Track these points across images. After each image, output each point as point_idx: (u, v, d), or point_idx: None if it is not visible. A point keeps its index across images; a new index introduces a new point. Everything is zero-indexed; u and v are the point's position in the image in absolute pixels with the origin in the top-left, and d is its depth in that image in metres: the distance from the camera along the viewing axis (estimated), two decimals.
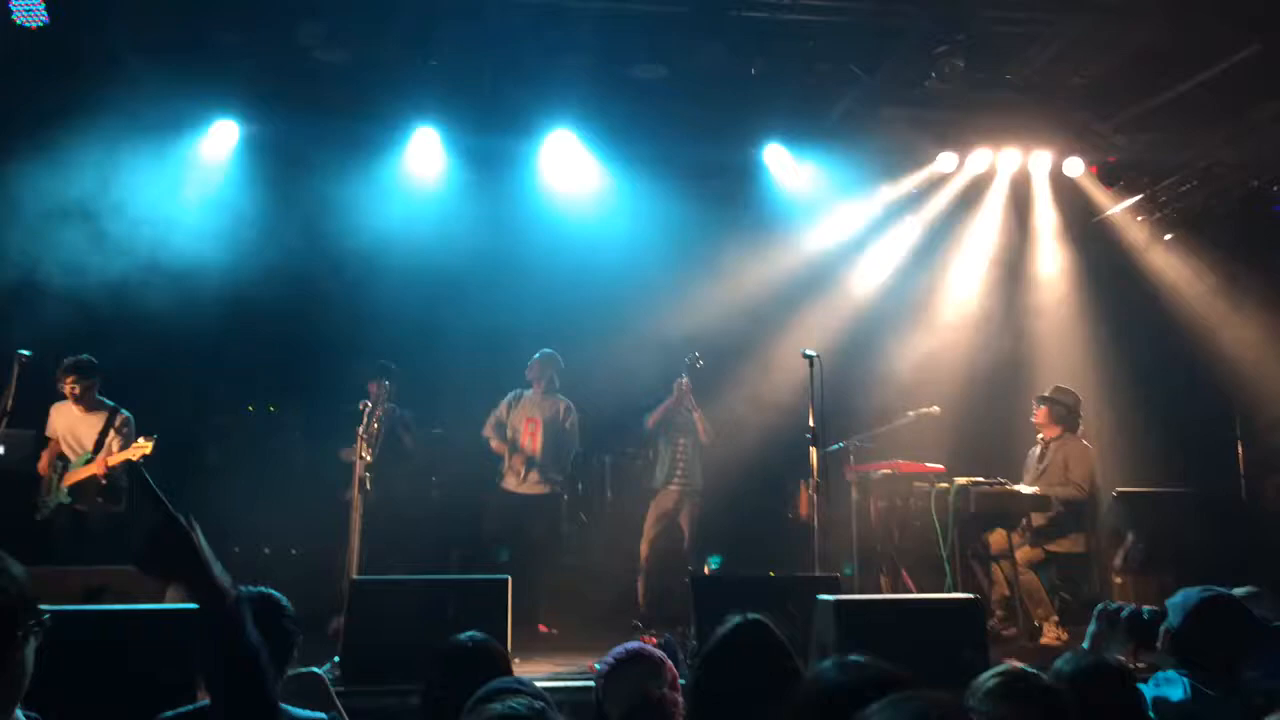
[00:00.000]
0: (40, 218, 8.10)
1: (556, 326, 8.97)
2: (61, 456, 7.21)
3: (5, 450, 6.86)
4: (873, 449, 8.53)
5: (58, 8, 6.97)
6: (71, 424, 7.20)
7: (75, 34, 7.24)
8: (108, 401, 7.28)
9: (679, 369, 8.18)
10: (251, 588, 2.94)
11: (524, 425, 8.07)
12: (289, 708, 2.82)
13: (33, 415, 7.10)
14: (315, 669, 3.23)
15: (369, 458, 6.66)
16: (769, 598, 5.49)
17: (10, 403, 6.47)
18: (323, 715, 2.89)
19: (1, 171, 7.92)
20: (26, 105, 7.81)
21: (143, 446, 6.92)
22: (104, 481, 7.07)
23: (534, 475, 8.01)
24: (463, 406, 8.53)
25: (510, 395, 8.21)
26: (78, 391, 7.09)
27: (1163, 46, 7.42)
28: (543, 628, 7.56)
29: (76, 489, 7.09)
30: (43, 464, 7.17)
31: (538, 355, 8.19)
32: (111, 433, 7.15)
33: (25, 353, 6.67)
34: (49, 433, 7.26)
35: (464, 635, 3.10)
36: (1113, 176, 9.44)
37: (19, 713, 1.76)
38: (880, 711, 1.67)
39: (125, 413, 7.27)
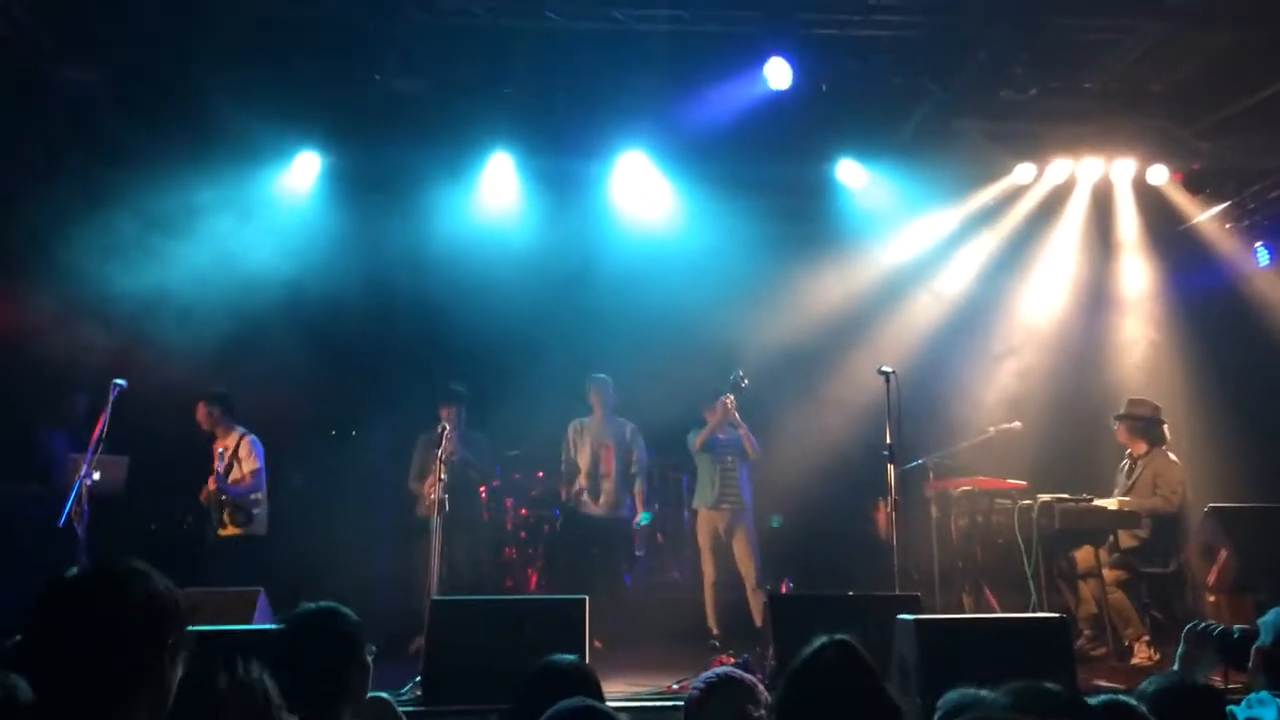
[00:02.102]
0: (130, 248, 8.40)
1: (630, 346, 9.00)
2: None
3: (101, 475, 7.08)
4: (952, 465, 8.40)
5: (144, 47, 7.25)
6: (218, 447, 7.62)
7: (161, 70, 7.50)
8: (238, 427, 7.67)
9: (710, 392, 8.07)
10: (320, 604, 2.98)
11: (596, 450, 8.11)
12: None
13: (126, 442, 7.32)
14: (384, 694, 3.26)
15: (445, 478, 6.76)
16: (848, 616, 5.42)
17: (105, 428, 6.68)
18: None
19: (96, 204, 8.23)
20: (116, 142, 8.12)
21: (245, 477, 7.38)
22: (232, 502, 7.42)
23: (609, 498, 8.04)
24: (539, 427, 8.60)
25: (572, 427, 8.27)
26: (203, 419, 7.58)
27: (1245, 49, 7.23)
28: (597, 644, 7.57)
29: (214, 511, 7.50)
30: (206, 490, 7.51)
31: (591, 381, 8.21)
32: (235, 460, 7.54)
33: (120, 382, 6.88)
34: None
35: (557, 657, 3.10)
36: (1198, 183, 9.22)
37: None
38: None
39: (250, 437, 7.65)
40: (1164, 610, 7.52)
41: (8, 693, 1.85)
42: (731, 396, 7.92)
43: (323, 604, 2.98)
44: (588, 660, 5.23)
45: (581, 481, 8.12)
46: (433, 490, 7.14)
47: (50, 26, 7.09)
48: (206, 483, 7.46)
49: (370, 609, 7.30)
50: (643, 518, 8.29)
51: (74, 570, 1.88)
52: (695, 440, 8.05)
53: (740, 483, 8.05)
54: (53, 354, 8.29)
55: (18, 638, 1.84)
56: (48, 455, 7.90)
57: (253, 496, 7.54)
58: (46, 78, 7.48)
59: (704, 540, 8.10)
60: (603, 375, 8.27)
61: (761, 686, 3.02)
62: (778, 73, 7.40)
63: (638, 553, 8.53)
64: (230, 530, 7.47)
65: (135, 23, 7.08)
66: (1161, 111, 8.39)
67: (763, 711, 2.91)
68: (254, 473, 7.53)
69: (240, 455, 7.56)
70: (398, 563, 8.11)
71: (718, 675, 3.03)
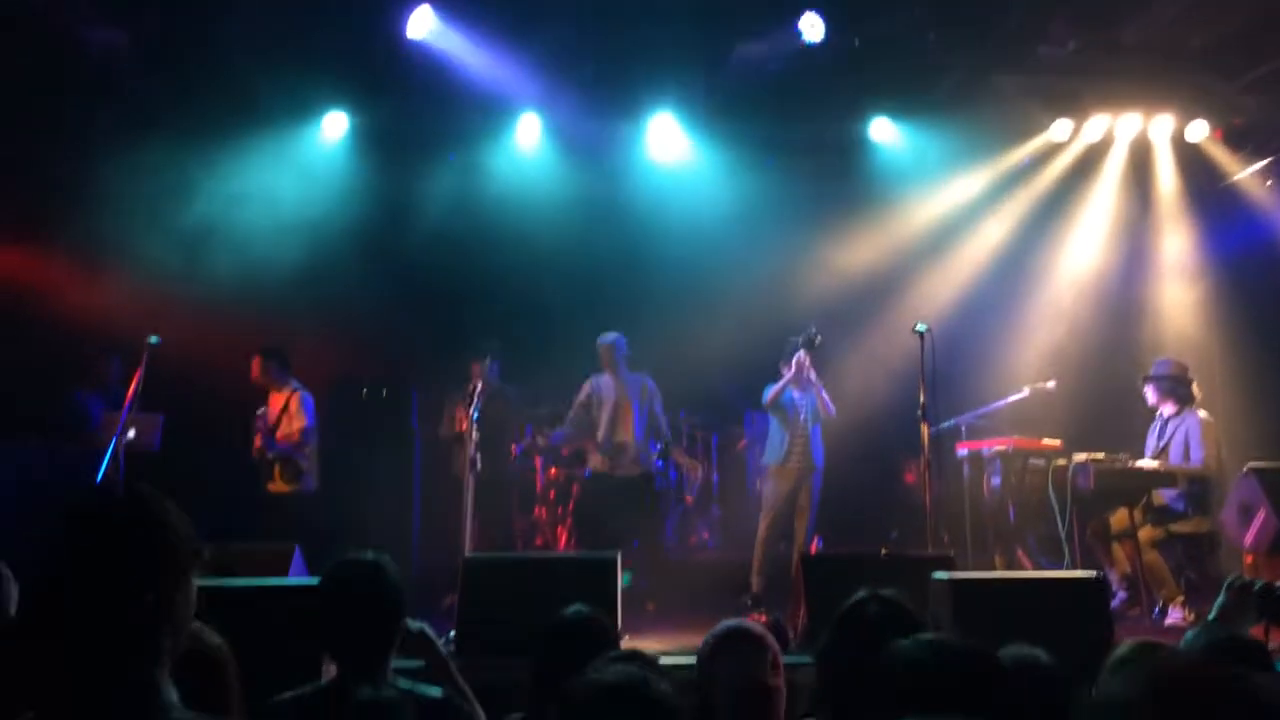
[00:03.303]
0: (160, 208, 8.47)
1: (661, 305, 8.98)
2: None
3: (136, 434, 7.16)
4: (986, 425, 8.33)
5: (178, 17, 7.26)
6: (271, 401, 7.72)
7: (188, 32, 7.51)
8: (294, 383, 7.74)
9: (788, 346, 7.94)
10: (363, 556, 2.99)
11: (615, 409, 8.02)
12: (406, 683, 2.89)
13: (161, 400, 7.40)
14: (423, 624, 3.28)
15: (477, 436, 6.77)
16: (880, 576, 5.39)
17: (139, 386, 6.74)
18: (438, 690, 2.95)
19: (125, 165, 8.28)
20: (145, 102, 8.16)
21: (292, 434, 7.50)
22: (284, 460, 7.53)
23: (629, 457, 8.01)
24: (572, 384, 8.60)
25: (590, 383, 8.13)
26: (258, 374, 7.64)
27: None
28: (650, 606, 7.60)
29: (264, 467, 7.59)
30: (255, 442, 7.62)
31: (598, 345, 8.10)
32: (285, 414, 7.59)
33: (154, 339, 6.92)
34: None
35: (570, 609, 3.12)
36: (1239, 140, 9.05)
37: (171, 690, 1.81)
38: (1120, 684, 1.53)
39: (302, 393, 7.70)
40: (1198, 571, 7.46)
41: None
42: (803, 353, 7.81)
43: (366, 557, 2.98)
44: (620, 620, 5.28)
45: (601, 440, 8.05)
46: (460, 421, 7.15)
47: None
48: (253, 439, 7.54)
49: (403, 565, 7.41)
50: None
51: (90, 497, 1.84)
52: (769, 395, 7.93)
53: (811, 443, 7.92)
54: (84, 315, 8.40)
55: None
56: (80, 416, 7.98)
57: (305, 451, 7.60)
58: (78, 39, 7.50)
59: (766, 496, 8.04)
60: (609, 336, 8.07)
61: (774, 645, 3.00)
62: (811, 26, 7.29)
63: (689, 494, 8.47)
64: (280, 486, 7.53)
65: None
66: (1202, 66, 8.22)
67: (768, 673, 2.90)
68: (302, 430, 7.57)
69: (290, 411, 7.61)
70: (429, 520, 8.17)
71: (727, 628, 3.02)
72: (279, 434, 7.58)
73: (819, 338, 7.79)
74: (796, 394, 7.92)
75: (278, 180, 8.61)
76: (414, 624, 3.17)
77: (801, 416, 7.91)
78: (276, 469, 7.54)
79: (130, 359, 7.24)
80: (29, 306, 8.42)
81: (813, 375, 7.84)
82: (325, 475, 7.98)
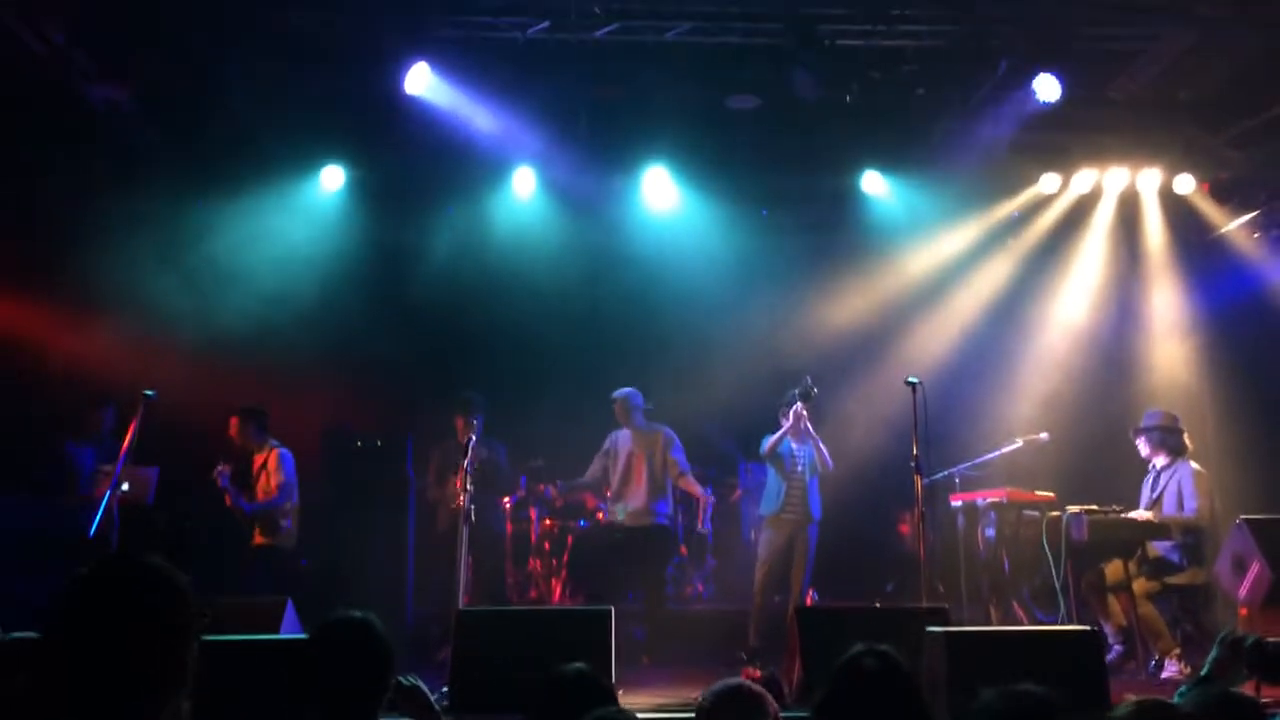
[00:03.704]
0: (159, 261, 8.54)
1: (656, 356, 9.05)
2: None
3: (130, 486, 7.15)
4: (980, 476, 8.34)
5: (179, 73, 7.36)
6: (255, 461, 7.69)
7: (189, 87, 7.61)
8: (271, 441, 7.70)
9: (787, 396, 7.95)
10: (352, 615, 2.99)
11: (628, 460, 8.10)
12: None
13: (154, 450, 7.39)
14: (414, 679, 3.27)
15: (471, 489, 6.78)
16: (875, 629, 5.39)
17: (134, 439, 6.74)
18: None
19: (134, 222, 8.38)
20: (146, 157, 8.25)
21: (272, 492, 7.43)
22: (264, 515, 7.51)
23: (637, 508, 8.02)
24: (563, 438, 8.62)
25: (609, 439, 8.27)
26: (236, 434, 7.62)
27: (1275, 55, 7.18)
28: (646, 659, 7.56)
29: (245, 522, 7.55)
30: (215, 471, 7.48)
31: (612, 401, 8.18)
32: (264, 472, 7.58)
33: (150, 392, 6.94)
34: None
35: (570, 666, 3.11)
36: (1226, 192, 9.15)
37: None
38: None
39: (280, 450, 7.66)
40: (1194, 623, 7.44)
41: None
42: (800, 405, 7.84)
43: (355, 615, 2.98)
44: (614, 674, 5.25)
45: (615, 492, 8.10)
46: (456, 494, 7.18)
47: (84, 46, 7.19)
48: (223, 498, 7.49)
49: (397, 617, 7.39)
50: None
51: (106, 562, 1.87)
52: (766, 445, 7.96)
53: (809, 494, 7.95)
54: (79, 365, 8.42)
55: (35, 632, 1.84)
56: (71, 469, 7.95)
57: (285, 507, 7.57)
58: (82, 95, 7.59)
59: (762, 547, 8.05)
60: (622, 391, 8.19)
61: (771, 701, 3.00)
62: (805, 84, 7.39)
63: (705, 526, 8.48)
64: (260, 540, 7.53)
65: (165, 42, 7.18)
66: (1189, 120, 8.34)
67: None
68: (280, 485, 7.53)
69: (270, 468, 7.61)
70: (424, 572, 8.12)
71: (726, 686, 3.03)
72: (258, 490, 7.56)
73: (815, 390, 7.83)
74: (794, 445, 7.96)
75: (275, 232, 8.70)
76: (406, 679, 3.16)
77: (799, 468, 7.94)
78: (256, 526, 7.53)
79: (125, 410, 7.25)
80: (24, 357, 8.44)
81: (809, 427, 7.87)
82: (318, 524, 7.97)
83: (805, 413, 7.81)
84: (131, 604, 1.79)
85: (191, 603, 1.85)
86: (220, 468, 7.38)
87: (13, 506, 7.35)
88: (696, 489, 8.44)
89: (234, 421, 7.63)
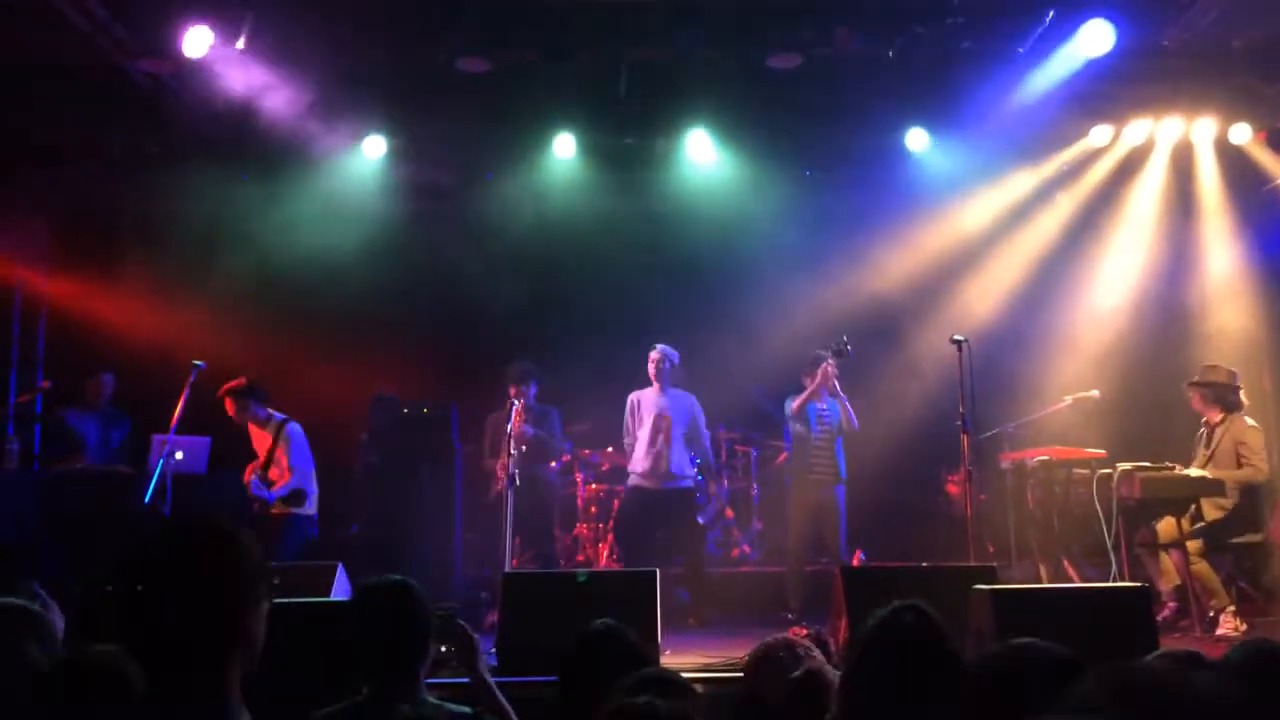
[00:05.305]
0: (196, 234, 8.67)
1: (700, 320, 9.01)
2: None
3: (184, 456, 7.26)
4: (1028, 435, 8.25)
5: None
6: (254, 434, 7.48)
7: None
8: (276, 415, 7.43)
9: (812, 357, 7.93)
10: (391, 578, 3.03)
11: (656, 422, 8.03)
12: (435, 701, 2.92)
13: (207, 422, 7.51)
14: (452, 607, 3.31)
15: (517, 454, 6.81)
16: (922, 588, 5.34)
17: (182, 409, 6.84)
18: (468, 710, 2.96)
19: (164, 193, 8.48)
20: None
21: (287, 481, 7.26)
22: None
23: (670, 470, 8.00)
24: (607, 401, 8.62)
25: (631, 400, 8.18)
26: (232, 413, 7.30)
27: None
28: (692, 620, 7.60)
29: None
30: (246, 474, 7.37)
31: (652, 351, 8.10)
32: (278, 446, 7.36)
33: (199, 363, 7.05)
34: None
35: (596, 623, 3.13)
36: None
37: None
38: (1082, 689, 1.61)
39: (291, 427, 7.38)
40: (1251, 581, 7.33)
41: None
42: (831, 364, 7.78)
43: (393, 579, 3.02)
44: (661, 636, 5.29)
45: (640, 454, 8.06)
46: (504, 469, 7.22)
47: (124, 22, 7.25)
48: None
49: (446, 582, 7.46)
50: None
51: (180, 523, 1.92)
52: (791, 405, 7.91)
53: (836, 455, 7.90)
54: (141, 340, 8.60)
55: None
56: (71, 437, 8.05)
57: (307, 481, 7.38)
58: (124, 71, 7.66)
59: (793, 510, 8.03)
60: (663, 346, 8.12)
61: (819, 652, 3.02)
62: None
63: (700, 519, 8.42)
64: (278, 510, 7.28)
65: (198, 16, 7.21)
66: (1244, 68, 8.10)
67: (817, 676, 2.91)
68: (292, 468, 7.31)
69: (278, 452, 7.33)
70: (472, 538, 8.20)
71: (776, 639, 3.05)
72: (272, 475, 7.29)
73: (850, 347, 7.75)
74: (821, 405, 7.90)
75: (320, 204, 8.74)
76: (443, 608, 3.18)
77: (826, 427, 7.88)
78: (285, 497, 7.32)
79: (128, 378, 7.29)
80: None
81: (837, 386, 7.81)
82: (367, 491, 8.06)
83: (833, 370, 7.75)
84: (203, 562, 1.82)
85: (261, 567, 1.89)
86: (250, 476, 7.24)
87: (58, 479, 7.48)
88: (710, 459, 8.38)
89: (229, 404, 7.27)
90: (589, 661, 2.94)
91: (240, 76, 7.52)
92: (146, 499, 6.56)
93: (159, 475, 6.69)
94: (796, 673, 2.91)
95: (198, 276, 8.86)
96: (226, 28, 7.22)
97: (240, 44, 7.28)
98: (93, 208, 9.39)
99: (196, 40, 7.12)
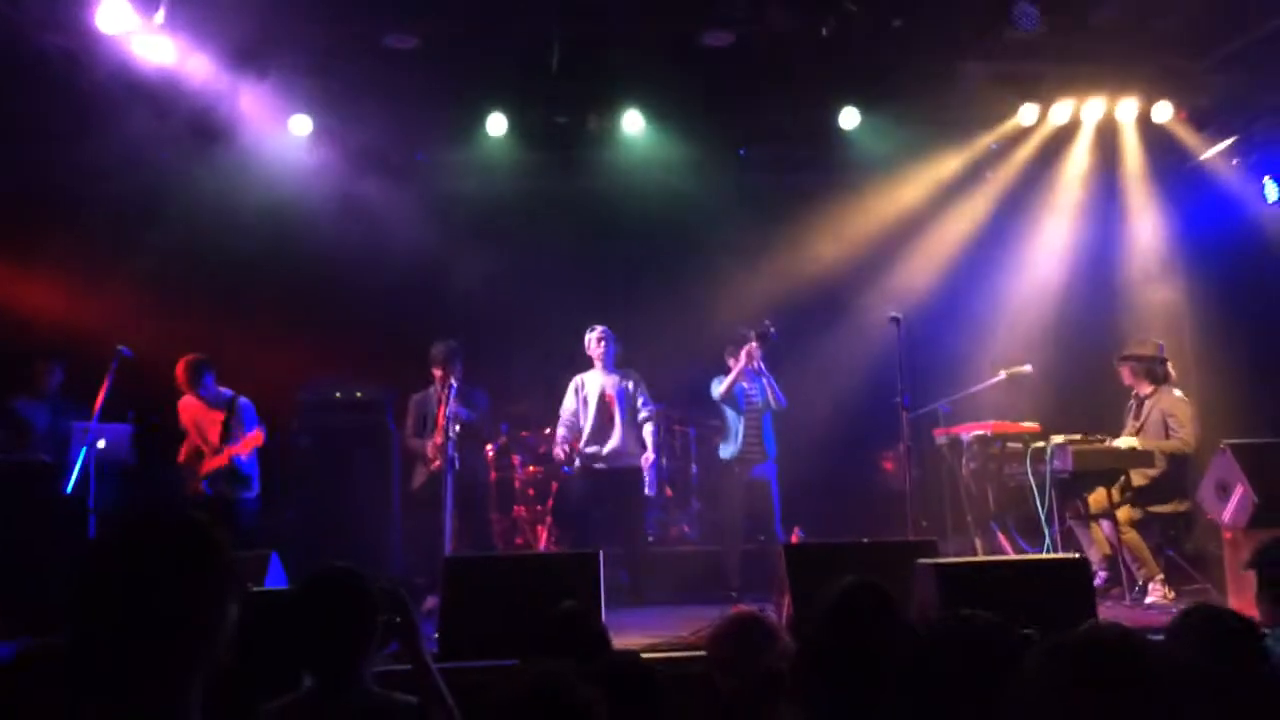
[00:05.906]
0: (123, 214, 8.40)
1: (636, 299, 8.97)
2: (199, 448, 7.36)
3: (106, 444, 7.06)
4: (964, 411, 8.35)
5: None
6: (195, 416, 7.38)
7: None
8: (225, 392, 7.43)
9: (735, 338, 7.96)
10: (337, 566, 2.95)
11: (600, 402, 8.01)
12: (382, 691, 2.85)
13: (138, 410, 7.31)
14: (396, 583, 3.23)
15: (453, 435, 6.72)
16: (864, 564, 5.39)
17: (104, 397, 6.65)
18: (413, 700, 2.89)
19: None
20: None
21: (256, 439, 7.19)
22: (232, 469, 7.27)
23: (617, 449, 7.98)
24: (544, 382, 8.55)
25: (574, 382, 8.14)
26: (183, 383, 7.28)
27: None
28: (633, 601, 7.59)
29: (213, 477, 7.27)
30: (181, 455, 7.34)
31: (590, 332, 8.08)
32: (234, 421, 7.33)
33: (124, 349, 6.85)
34: (182, 426, 7.42)
35: (562, 605, 3.10)
36: (1204, 120, 9.10)
37: None
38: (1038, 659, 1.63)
39: (243, 400, 7.44)
40: (1177, 549, 7.51)
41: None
42: (755, 344, 7.81)
43: (340, 566, 2.94)
44: (605, 616, 5.25)
45: (587, 436, 8.01)
46: (434, 450, 7.11)
47: None
48: (201, 456, 7.31)
49: (384, 568, 7.35)
50: None
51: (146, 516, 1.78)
52: (718, 389, 7.93)
53: (764, 433, 7.97)
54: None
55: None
56: (25, 428, 7.80)
57: (246, 475, 7.36)
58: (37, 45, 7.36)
59: (725, 491, 8.08)
60: (601, 327, 8.10)
61: (783, 632, 3.01)
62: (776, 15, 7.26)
63: (649, 492, 8.39)
64: (228, 494, 7.31)
65: None
66: (1167, 47, 8.25)
67: (778, 659, 2.90)
68: (250, 440, 7.33)
69: (233, 424, 7.35)
70: (408, 522, 8.08)
71: (739, 616, 3.03)
72: (230, 450, 7.25)
73: (773, 330, 7.84)
74: (748, 385, 7.94)
75: (241, 181, 8.50)
76: (386, 581, 3.11)
77: (753, 406, 7.93)
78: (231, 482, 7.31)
79: (86, 368, 7.15)
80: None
81: (762, 365, 7.86)
82: (301, 476, 7.91)
83: (755, 351, 7.79)
84: (178, 558, 1.71)
85: (233, 565, 1.77)
86: (195, 482, 7.21)
87: None
88: (650, 437, 8.32)
89: (181, 374, 7.24)
90: (554, 645, 2.90)
91: (160, 52, 7.26)
92: (69, 489, 6.35)
93: (81, 464, 6.47)
94: (768, 651, 2.89)
95: (121, 259, 8.57)
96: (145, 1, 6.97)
97: (159, 18, 7.03)
98: (5, 189, 9.02)
99: (112, 14, 6.85)
